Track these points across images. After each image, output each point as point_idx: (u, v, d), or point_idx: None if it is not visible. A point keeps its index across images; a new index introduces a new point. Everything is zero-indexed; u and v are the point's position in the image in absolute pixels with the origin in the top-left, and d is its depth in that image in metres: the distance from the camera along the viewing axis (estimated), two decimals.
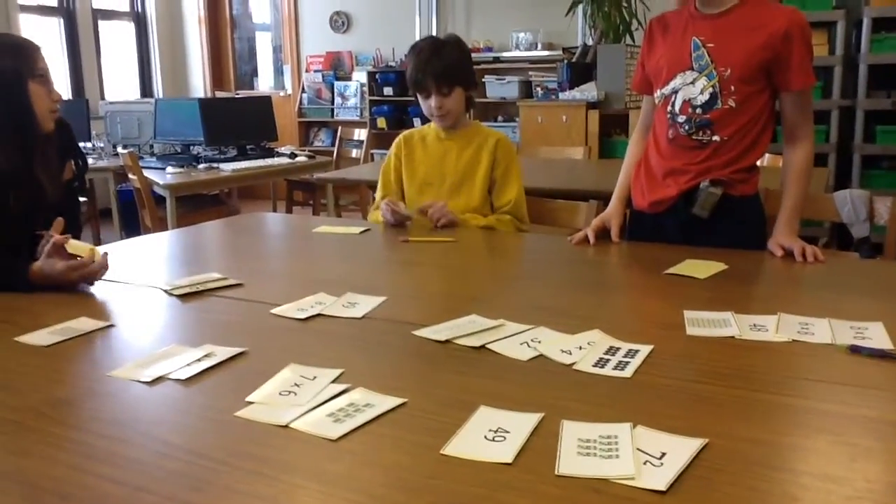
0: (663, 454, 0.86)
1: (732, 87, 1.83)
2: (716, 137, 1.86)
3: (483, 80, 6.48)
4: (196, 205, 4.68)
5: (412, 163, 2.37)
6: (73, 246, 1.60)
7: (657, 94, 1.96)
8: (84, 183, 1.90)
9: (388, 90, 6.99)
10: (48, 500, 0.80)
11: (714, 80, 1.84)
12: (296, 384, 1.08)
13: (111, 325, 1.37)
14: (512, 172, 2.30)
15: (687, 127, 1.89)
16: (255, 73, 8.38)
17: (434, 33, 6.91)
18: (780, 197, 1.90)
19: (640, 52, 2.05)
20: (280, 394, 1.05)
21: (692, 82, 1.87)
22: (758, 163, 1.95)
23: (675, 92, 1.90)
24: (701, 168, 1.89)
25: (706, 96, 1.85)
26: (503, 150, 2.31)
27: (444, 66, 2.21)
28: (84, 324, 1.36)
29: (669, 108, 1.91)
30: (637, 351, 1.19)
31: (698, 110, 1.87)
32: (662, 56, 1.94)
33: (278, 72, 8.12)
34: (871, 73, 4.69)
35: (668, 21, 1.97)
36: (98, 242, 4.85)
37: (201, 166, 4.51)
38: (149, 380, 1.11)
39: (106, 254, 1.61)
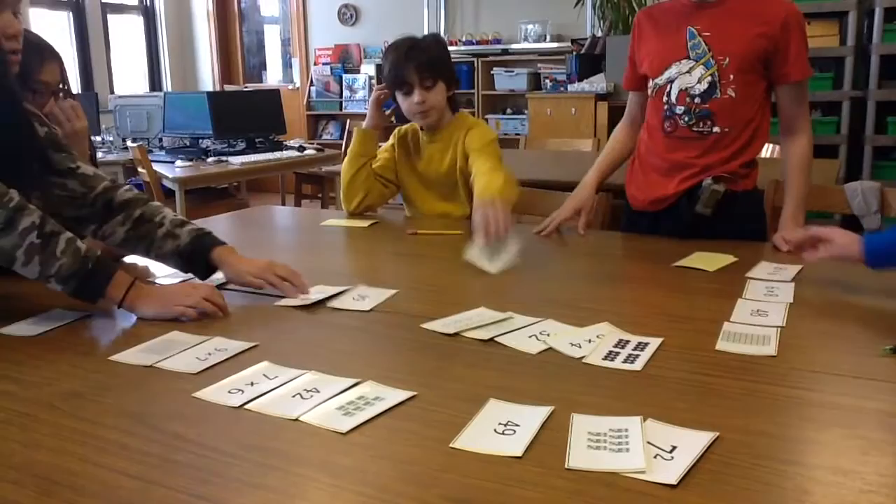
0: (674, 448, 0.86)
1: (731, 76, 1.81)
2: (716, 129, 1.84)
3: (491, 72, 6.46)
4: (205, 198, 4.69)
5: (409, 161, 2.28)
6: None
7: (650, 84, 1.94)
8: None
9: None
10: (61, 493, 0.80)
11: (712, 68, 1.82)
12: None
13: (119, 319, 1.37)
14: (481, 153, 2.05)
15: (687, 118, 1.86)
16: (263, 66, 8.39)
17: (443, 25, 6.89)
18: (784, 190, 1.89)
19: (630, 49, 2.01)
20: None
21: (688, 71, 1.85)
22: (759, 156, 1.94)
23: (671, 81, 1.87)
24: (703, 162, 1.86)
25: (704, 85, 1.83)
26: (470, 138, 2.12)
27: (426, 57, 2.10)
28: (96, 318, 1.37)
29: (665, 98, 1.89)
30: (647, 344, 1.19)
31: (697, 100, 1.85)
32: (654, 47, 1.92)
33: (287, 65, 8.12)
34: (883, 63, 4.63)
35: (657, 14, 1.95)
36: None
37: (210, 160, 4.52)
38: (154, 366, 1.11)
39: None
